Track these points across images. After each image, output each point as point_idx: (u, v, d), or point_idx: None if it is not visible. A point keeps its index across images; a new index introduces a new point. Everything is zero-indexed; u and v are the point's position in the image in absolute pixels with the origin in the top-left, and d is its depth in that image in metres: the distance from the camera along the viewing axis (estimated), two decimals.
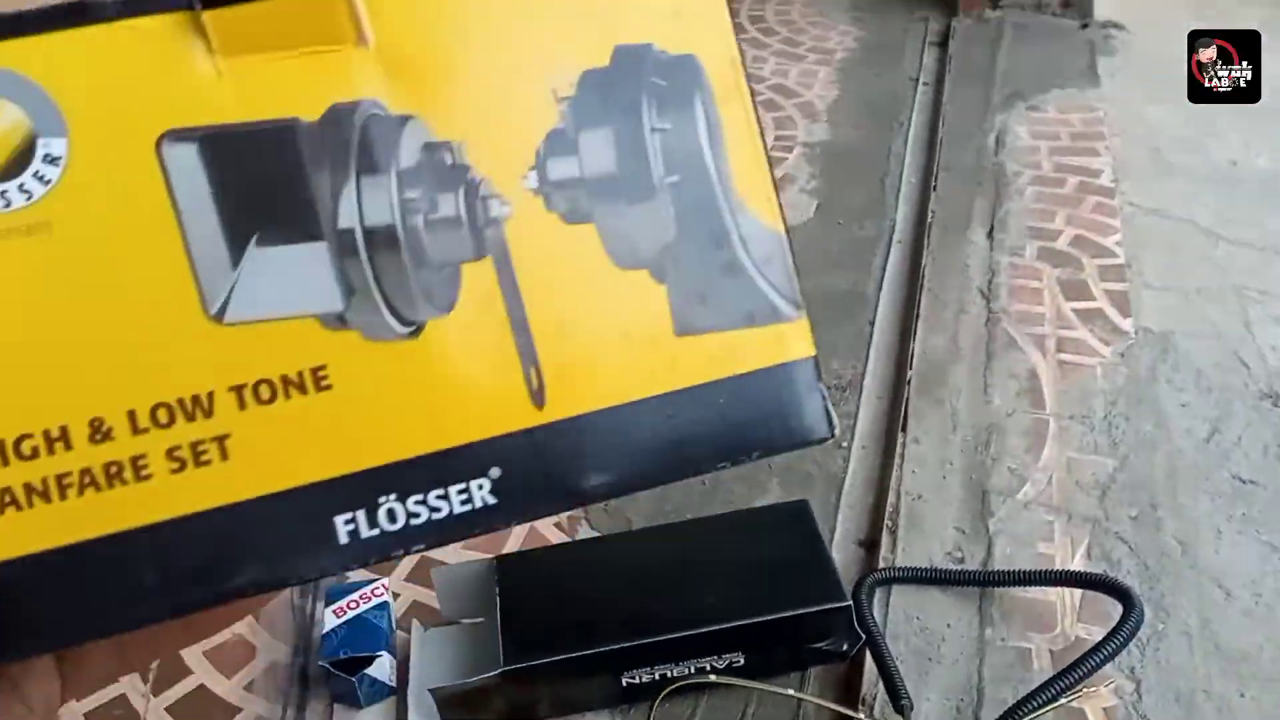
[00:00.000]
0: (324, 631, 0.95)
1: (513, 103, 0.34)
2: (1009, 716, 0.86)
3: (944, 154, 1.72)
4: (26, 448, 0.31)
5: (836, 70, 2.09)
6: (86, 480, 0.32)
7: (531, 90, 0.34)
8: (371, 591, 0.99)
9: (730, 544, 0.99)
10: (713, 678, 0.86)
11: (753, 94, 0.36)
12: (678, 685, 0.89)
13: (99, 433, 0.32)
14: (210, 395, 0.32)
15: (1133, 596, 0.92)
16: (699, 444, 0.36)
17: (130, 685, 0.98)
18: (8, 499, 0.31)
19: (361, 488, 0.34)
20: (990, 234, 1.53)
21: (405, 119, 0.33)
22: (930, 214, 1.57)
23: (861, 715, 0.85)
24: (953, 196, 1.62)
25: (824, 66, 2.11)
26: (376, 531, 0.34)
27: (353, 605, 0.97)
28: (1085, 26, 2.21)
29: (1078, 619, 0.98)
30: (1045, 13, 2.29)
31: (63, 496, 0.31)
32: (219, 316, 0.32)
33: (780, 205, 0.37)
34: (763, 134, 0.36)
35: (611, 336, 0.35)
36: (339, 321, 0.33)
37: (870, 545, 1.09)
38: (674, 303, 0.35)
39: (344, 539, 0.33)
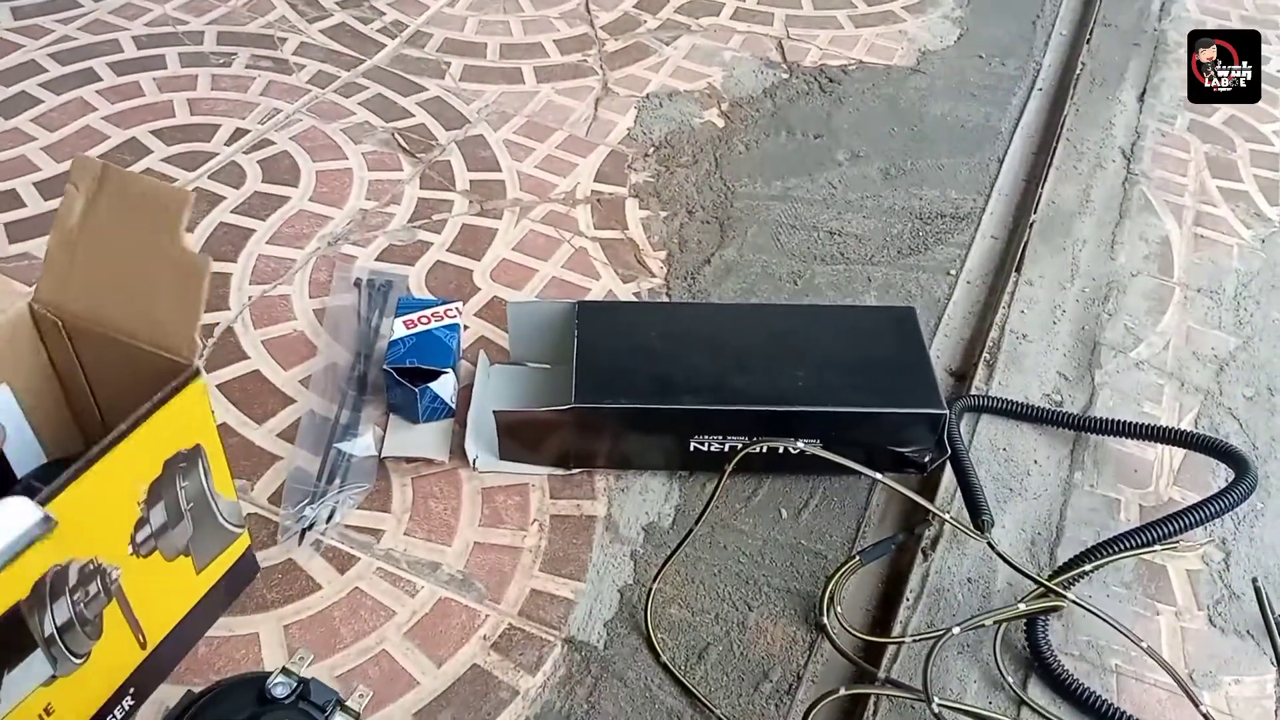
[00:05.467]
0: (391, 339, 0.91)
1: (117, 522, 0.62)
2: (1093, 553, 0.81)
3: (1103, 9, 1.58)
4: None
5: None
6: None
7: (125, 510, 0.62)
8: (444, 311, 0.94)
9: (827, 334, 0.93)
10: (800, 444, 0.81)
11: (225, 451, 0.70)
12: (745, 456, 0.85)
13: None
14: None
15: (1248, 463, 0.86)
16: (208, 616, 0.75)
17: None
18: None
19: None
20: (1141, 97, 1.42)
21: (69, 562, 0.58)
22: (1080, 65, 1.44)
23: (945, 515, 0.80)
24: (1106, 53, 1.49)
25: None
26: None
27: (424, 320, 0.93)
28: None
29: (1174, 481, 0.93)
30: None
31: None
32: None
33: (234, 486, 0.73)
34: (227, 460, 0.71)
35: (170, 591, 0.70)
36: (53, 678, 0.61)
37: (961, 376, 1.03)
38: (195, 559, 0.71)
39: None
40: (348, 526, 0.83)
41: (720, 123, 1.32)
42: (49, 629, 0.59)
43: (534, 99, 1.33)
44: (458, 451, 0.89)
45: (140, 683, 0.69)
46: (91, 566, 0.60)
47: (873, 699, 0.74)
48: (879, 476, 0.80)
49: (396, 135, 1.24)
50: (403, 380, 0.88)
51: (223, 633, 0.76)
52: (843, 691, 0.73)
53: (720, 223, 1.17)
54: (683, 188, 1.22)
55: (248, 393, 0.93)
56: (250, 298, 1.02)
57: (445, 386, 0.90)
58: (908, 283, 1.11)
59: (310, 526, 0.82)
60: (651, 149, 1.27)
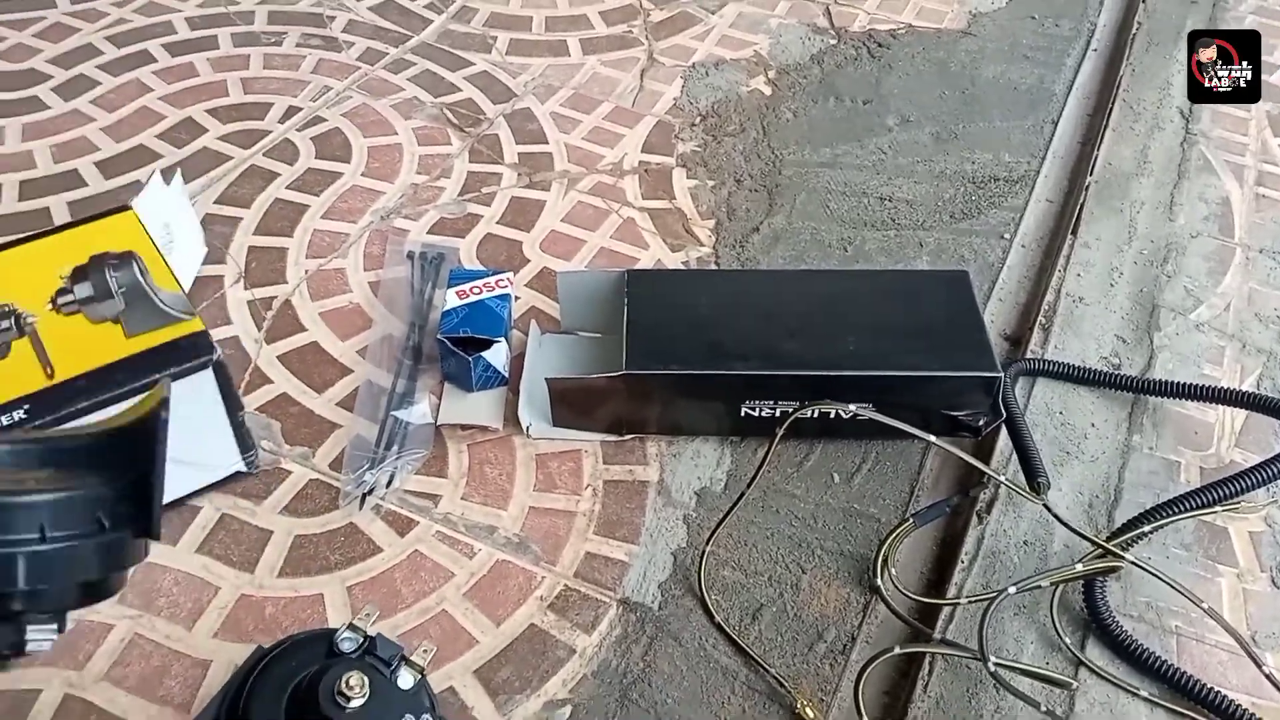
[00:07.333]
0: (445, 310, 0.92)
1: (36, 286, 0.80)
2: (1152, 515, 0.80)
3: None
4: None
5: None
6: None
7: (45, 279, 0.81)
8: (496, 282, 0.95)
9: (880, 298, 0.93)
10: (854, 408, 0.81)
11: (159, 251, 0.85)
12: (796, 422, 0.85)
13: None
14: None
15: None
16: (141, 372, 0.79)
17: (243, 329, 0.97)
18: None
19: None
20: None
21: None
22: (1136, 25, 1.41)
23: (1000, 477, 0.80)
24: (1163, 11, 1.46)
25: None
26: None
27: (476, 290, 0.94)
28: None
29: (1235, 443, 0.91)
30: None
31: None
32: None
33: (179, 282, 0.83)
34: (166, 260, 0.84)
35: (92, 344, 0.79)
36: None
37: (1016, 340, 1.02)
38: (125, 326, 0.80)
39: None
40: (406, 491, 0.85)
41: (767, 90, 1.31)
42: None
43: (580, 71, 1.33)
44: (511, 419, 0.90)
45: (39, 402, 0.78)
46: (7, 309, 0.79)
47: (928, 658, 0.74)
48: (932, 438, 0.79)
49: (445, 110, 1.25)
50: (456, 349, 0.89)
51: (288, 593, 0.78)
52: (897, 650, 0.73)
53: (769, 191, 1.17)
54: (730, 156, 1.21)
55: (306, 363, 0.95)
56: (307, 271, 1.03)
57: (498, 355, 0.91)
58: (960, 247, 1.10)
59: (370, 491, 0.84)
60: (698, 118, 1.27)
